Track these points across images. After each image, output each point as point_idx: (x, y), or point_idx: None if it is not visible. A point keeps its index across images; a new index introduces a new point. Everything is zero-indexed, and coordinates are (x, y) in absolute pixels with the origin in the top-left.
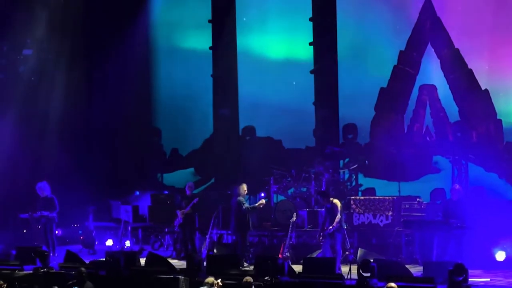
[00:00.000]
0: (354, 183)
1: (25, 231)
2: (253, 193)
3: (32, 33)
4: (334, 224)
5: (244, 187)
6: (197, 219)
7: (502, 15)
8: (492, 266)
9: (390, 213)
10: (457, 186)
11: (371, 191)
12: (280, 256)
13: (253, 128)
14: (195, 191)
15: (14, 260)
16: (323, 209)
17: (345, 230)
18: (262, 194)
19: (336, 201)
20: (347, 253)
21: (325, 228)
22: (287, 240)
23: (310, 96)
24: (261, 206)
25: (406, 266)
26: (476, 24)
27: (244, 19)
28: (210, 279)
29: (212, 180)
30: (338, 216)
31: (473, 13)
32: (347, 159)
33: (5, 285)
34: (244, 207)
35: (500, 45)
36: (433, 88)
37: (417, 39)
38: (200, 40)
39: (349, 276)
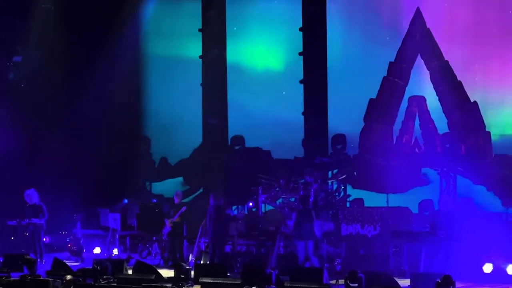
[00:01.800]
0: (342, 194)
1: (12, 238)
2: (241, 203)
3: (22, 40)
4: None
5: (220, 195)
6: (185, 228)
7: (492, 28)
8: (479, 278)
9: (378, 224)
10: (446, 198)
11: (359, 201)
12: (267, 265)
13: (242, 137)
14: (184, 200)
15: (1, 267)
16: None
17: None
18: (251, 204)
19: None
20: (335, 263)
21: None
22: (274, 250)
23: (300, 106)
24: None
25: (394, 277)
26: (466, 37)
27: (235, 28)
28: None
29: (201, 190)
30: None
31: (463, 25)
32: (335, 170)
33: None
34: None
35: (490, 58)
36: (422, 99)
37: (407, 50)
38: (190, 49)
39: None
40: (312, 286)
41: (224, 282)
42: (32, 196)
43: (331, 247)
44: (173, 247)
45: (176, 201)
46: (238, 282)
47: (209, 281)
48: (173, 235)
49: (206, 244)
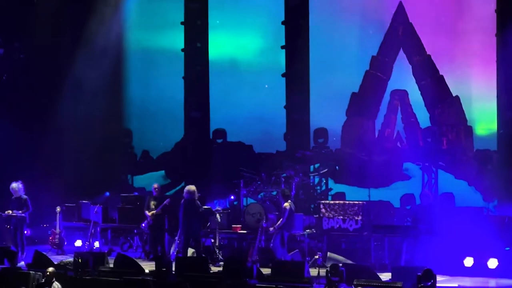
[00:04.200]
0: (324, 188)
1: None
2: (223, 196)
3: (3, 32)
4: (276, 226)
5: (195, 189)
6: (166, 221)
7: (474, 22)
8: (460, 271)
9: (360, 218)
10: (427, 191)
11: (341, 195)
12: (249, 259)
13: (224, 131)
14: (167, 194)
15: None
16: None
17: (286, 233)
18: (232, 197)
19: (286, 205)
20: (316, 257)
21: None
22: (256, 243)
23: (282, 100)
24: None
25: (375, 271)
26: (448, 31)
27: (217, 21)
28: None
29: (183, 184)
30: (281, 220)
31: (445, 20)
32: (317, 165)
33: None
34: (201, 209)
35: (472, 52)
36: (404, 93)
37: (389, 44)
38: (172, 41)
39: (317, 280)
40: (294, 280)
41: (205, 275)
42: (18, 189)
43: (312, 241)
44: (155, 241)
45: (155, 194)
46: (219, 275)
47: (191, 274)
48: (154, 228)
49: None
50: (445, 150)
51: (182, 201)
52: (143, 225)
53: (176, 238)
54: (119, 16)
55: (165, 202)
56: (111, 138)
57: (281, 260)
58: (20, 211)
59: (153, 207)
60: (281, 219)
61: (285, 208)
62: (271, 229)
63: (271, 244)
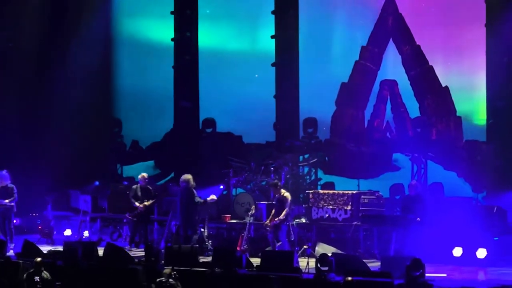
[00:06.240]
0: (313, 177)
1: None
2: (212, 186)
3: None
4: (281, 217)
5: (192, 179)
6: (156, 211)
7: (464, 13)
8: (449, 261)
9: (349, 207)
10: (415, 182)
11: (330, 185)
12: (238, 248)
13: (213, 120)
14: (157, 183)
15: None
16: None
17: (290, 223)
18: (221, 187)
19: (287, 194)
20: (305, 246)
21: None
22: (245, 233)
23: (272, 89)
24: (212, 201)
25: (364, 260)
26: (438, 21)
27: (207, 11)
28: (167, 270)
29: (172, 174)
30: (286, 210)
31: (435, 10)
32: (307, 155)
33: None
34: (196, 200)
35: (461, 43)
36: (393, 83)
37: (379, 34)
38: (162, 31)
39: (307, 270)
40: (282, 269)
41: (195, 264)
42: (4, 177)
43: (301, 230)
44: (144, 230)
45: (142, 183)
46: (209, 265)
47: (180, 263)
48: (144, 218)
49: (177, 227)
50: (434, 140)
51: (179, 190)
52: (129, 215)
53: (166, 228)
54: (109, 5)
55: (154, 200)
56: (101, 127)
57: (270, 250)
58: (7, 200)
59: (141, 196)
60: (285, 209)
61: (286, 197)
62: (276, 220)
63: (280, 238)
